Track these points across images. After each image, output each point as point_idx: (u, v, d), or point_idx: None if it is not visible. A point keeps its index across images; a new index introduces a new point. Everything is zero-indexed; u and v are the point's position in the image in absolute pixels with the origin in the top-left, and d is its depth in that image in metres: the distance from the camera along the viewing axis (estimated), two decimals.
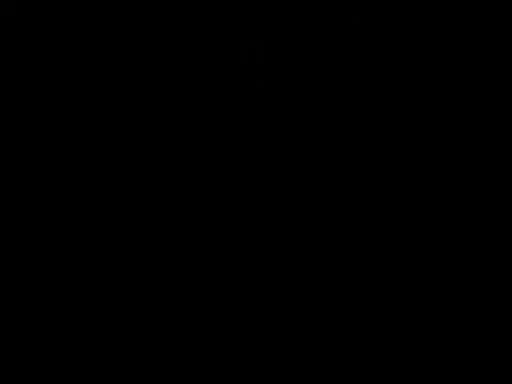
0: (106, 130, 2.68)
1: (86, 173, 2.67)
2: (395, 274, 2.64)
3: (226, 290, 2.65)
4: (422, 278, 2.64)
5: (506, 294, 2.61)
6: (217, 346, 2.62)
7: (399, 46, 2.68)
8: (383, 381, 2.60)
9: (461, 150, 2.66)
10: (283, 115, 2.69)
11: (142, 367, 2.62)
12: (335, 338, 2.63)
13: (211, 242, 2.66)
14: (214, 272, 2.65)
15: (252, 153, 2.68)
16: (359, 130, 2.67)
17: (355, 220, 2.66)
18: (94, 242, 2.65)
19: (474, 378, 2.58)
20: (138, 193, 2.67)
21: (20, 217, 2.65)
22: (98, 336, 2.62)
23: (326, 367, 2.61)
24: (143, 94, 2.70)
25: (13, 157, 2.66)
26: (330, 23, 2.70)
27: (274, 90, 2.70)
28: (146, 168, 2.68)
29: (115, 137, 2.68)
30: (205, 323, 2.64)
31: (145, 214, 2.66)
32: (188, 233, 2.66)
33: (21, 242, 2.64)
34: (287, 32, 2.70)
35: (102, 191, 2.66)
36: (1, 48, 2.66)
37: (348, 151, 2.67)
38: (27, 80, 2.67)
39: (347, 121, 2.68)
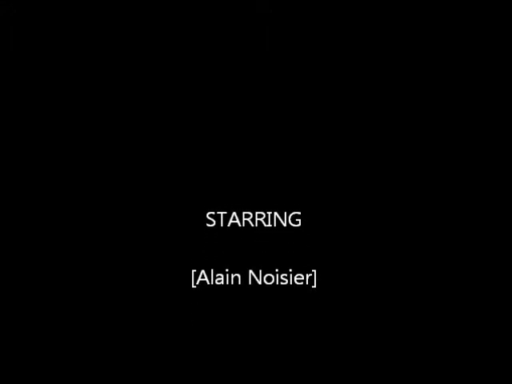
0: (106, 128, 2.67)
1: (86, 172, 2.66)
2: (394, 272, 2.64)
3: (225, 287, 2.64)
4: (421, 276, 2.64)
5: (505, 294, 2.62)
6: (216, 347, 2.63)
7: (399, 46, 2.67)
8: (382, 380, 2.61)
9: (460, 149, 2.66)
10: (283, 116, 2.68)
11: (141, 366, 2.62)
12: (334, 337, 2.63)
13: (211, 241, 2.66)
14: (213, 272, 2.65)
15: (252, 152, 2.68)
16: (359, 128, 2.67)
17: (353, 216, 2.65)
18: (92, 240, 2.64)
19: (474, 378, 2.60)
20: (138, 191, 2.66)
21: (19, 216, 2.64)
22: (97, 335, 2.62)
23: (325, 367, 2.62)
24: (143, 93, 2.68)
25: (13, 157, 2.65)
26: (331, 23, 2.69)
27: (274, 90, 2.69)
28: (145, 165, 2.67)
29: (115, 135, 2.67)
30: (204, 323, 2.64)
31: (145, 211, 2.65)
32: (188, 232, 2.65)
33: (20, 241, 2.63)
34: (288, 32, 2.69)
35: (102, 190, 2.66)
36: (1, 48, 2.64)
37: (347, 150, 2.67)
38: (27, 80, 2.66)
39: (347, 120, 2.67)
